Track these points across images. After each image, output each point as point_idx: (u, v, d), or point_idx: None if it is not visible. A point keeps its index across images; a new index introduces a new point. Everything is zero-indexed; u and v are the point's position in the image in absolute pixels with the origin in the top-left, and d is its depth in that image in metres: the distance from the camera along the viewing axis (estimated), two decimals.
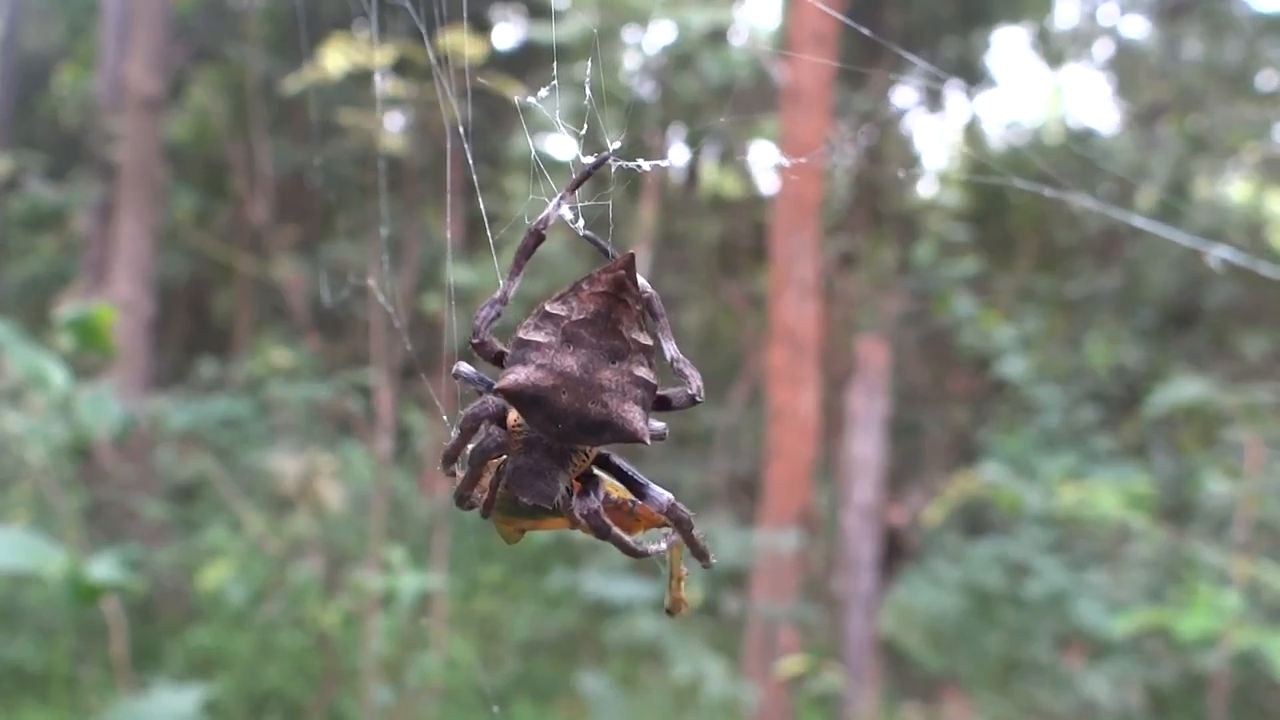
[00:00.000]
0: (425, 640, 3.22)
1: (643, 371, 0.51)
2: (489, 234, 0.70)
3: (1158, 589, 2.98)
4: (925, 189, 7.20)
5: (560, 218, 0.54)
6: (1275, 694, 3.04)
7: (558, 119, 0.55)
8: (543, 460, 0.52)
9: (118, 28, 6.12)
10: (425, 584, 2.69)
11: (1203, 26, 6.12)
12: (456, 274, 3.94)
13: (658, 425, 0.54)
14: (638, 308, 0.52)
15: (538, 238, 0.53)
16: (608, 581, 2.91)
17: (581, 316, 0.51)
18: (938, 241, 4.76)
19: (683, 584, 0.61)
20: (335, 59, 2.93)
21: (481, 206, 0.65)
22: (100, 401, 1.29)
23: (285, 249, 5.84)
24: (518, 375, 0.50)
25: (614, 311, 0.51)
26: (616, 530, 0.55)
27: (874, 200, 6.58)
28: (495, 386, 0.50)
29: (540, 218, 0.54)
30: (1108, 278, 5.71)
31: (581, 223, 0.56)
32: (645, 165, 0.53)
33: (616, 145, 0.52)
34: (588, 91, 0.56)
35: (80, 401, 1.27)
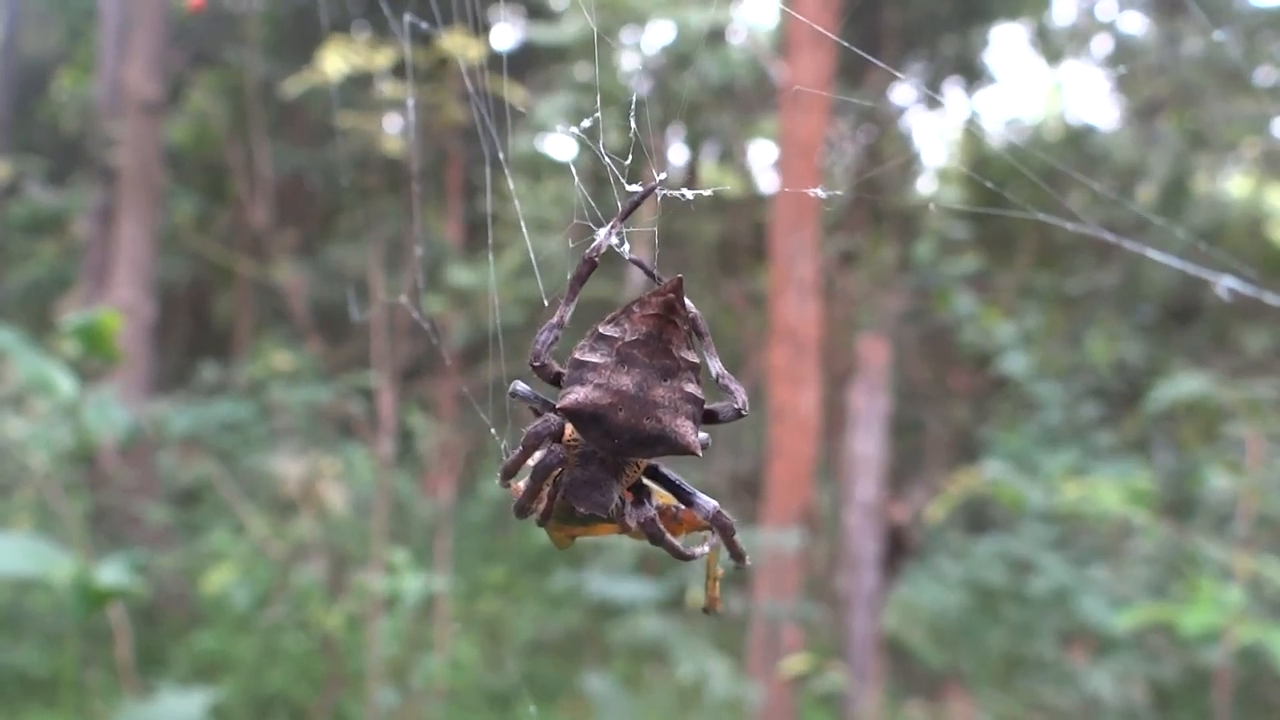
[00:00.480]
0: (429, 642, 3.22)
1: (692, 388, 0.55)
2: (490, 235, 0.71)
3: (1160, 585, 2.98)
4: (925, 186, 7.21)
5: (610, 245, 0.57)
6: (1278, 688, 3.04)
7: (601, 149, 0.58)
8: (598, 472, 0.56)
9: (117, 32, 6.12)
10: (429, 586, 2.69)
11: (1201, 23, 6.12)
12: (458, 276, 3.95)
13: (703, 436, 0.57)
14: (685, 328, 0.55)
15: (591, 265, 0.56)
16: (611, 582, 2.92)
17: (634, 338, 0.54)
18: (937, 239, 4.76)
19: (718, 584, 0.65)
20: (334, 62, 2.93)
21: (488, 206, 0.66)
22: (106, 407, 1.30)
23: (285, 252, 5.84)
24: (577, 395, 0.53)
25: (664, 332, 0.54)
26: (669, 536, 0.59)
27: (874, 199, 6.58)
28: (557, 406, 0.53)
29: (593, 246, 0.56)
30: (1108, 274, 5.71)
31: (629, 248, 0.59)
32: (689, 194, 0.57)
33: (663, 176, 0.55)
34: (631, 122, 0.57)
35: (86, 407, 1.27)
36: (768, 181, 6.56)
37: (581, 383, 0.53)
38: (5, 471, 4.69)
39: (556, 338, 0.55)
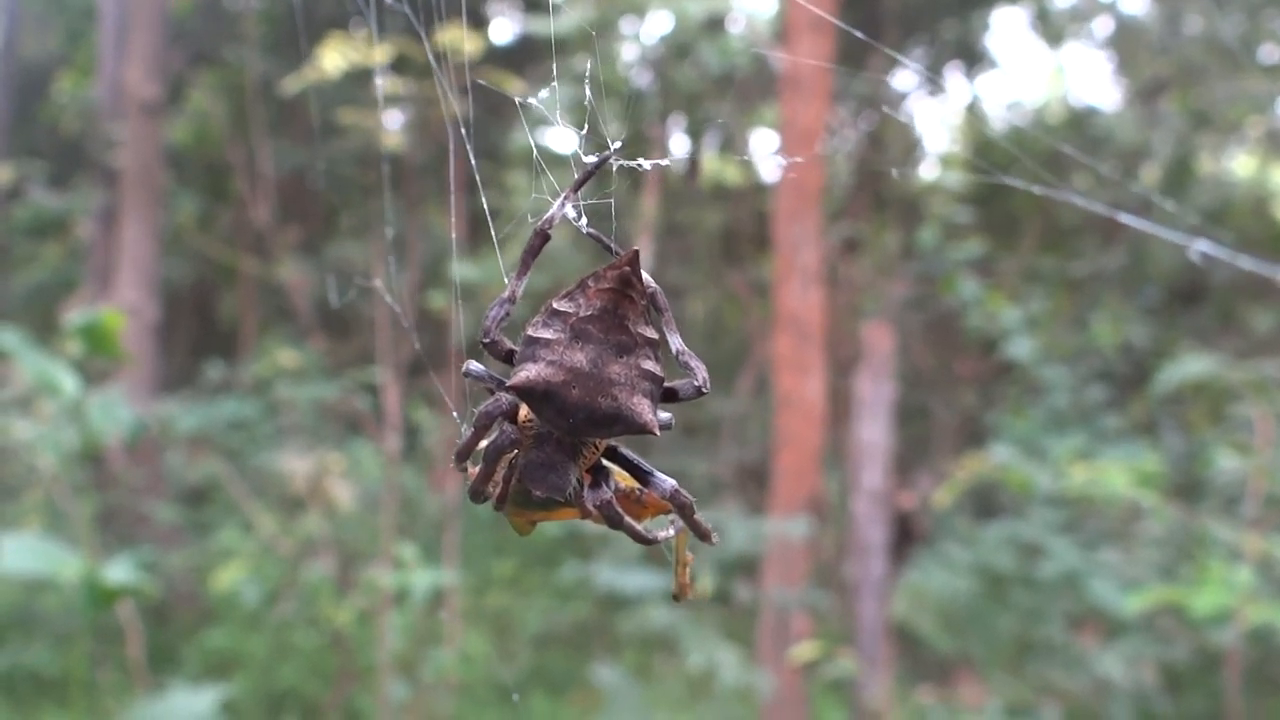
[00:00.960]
0: (439, 636, 3.23)
1: (650, 365, 0.52)
2: (492, 231, 0.70)
3: (1170, 567, 2.98)
4: (927, 172, 7.19)
5: (564, 216, 0.55)
6: None
7: (558, 117, 0.56)
8: (554, 454, 0.54)
9: (115, 33, 6.12)
10: (438, 580, 2.70)
11: (1203, 4, 6.09)
12: (461, 270, 3.94)
13: (665, 416, 0.55)
14: (643, 303, 0.53)
15: (543, 237, 0.54)
16: (619, 573, 2.92)
17: (589, 313, 0.52)
18: (941, 225, 4.75)
19: (688, 570, 0.62)
20: (333, 59, 2.93)
21: (484, 202, 0.66)
22: (111, 407, 1.30)
23: (288, 250, 5.85)
24: (529, 372, 0.51)
25: (620, 307, 0.52)
26: (628, 519, 0.57)
27: (876, 185, 6.57)
28: (508, 384, 0.51)
29: (545, 217, 0.55)
30: (1112, 256, 5.69)
31: (585, 220, 0.57)
32: (646, 164, 0.55)
33: (618, 145, 0.53)
34: (587, 89, 0.56)
35: (91, 408, 1.27)
36: (769, 170, 6.55)
37: (534, 360, 0.51)
38: (14, 473, 4.71)
39: (508, 313, 0.54)
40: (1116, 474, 2.79)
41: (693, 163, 7.05)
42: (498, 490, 0.56)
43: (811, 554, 3.50)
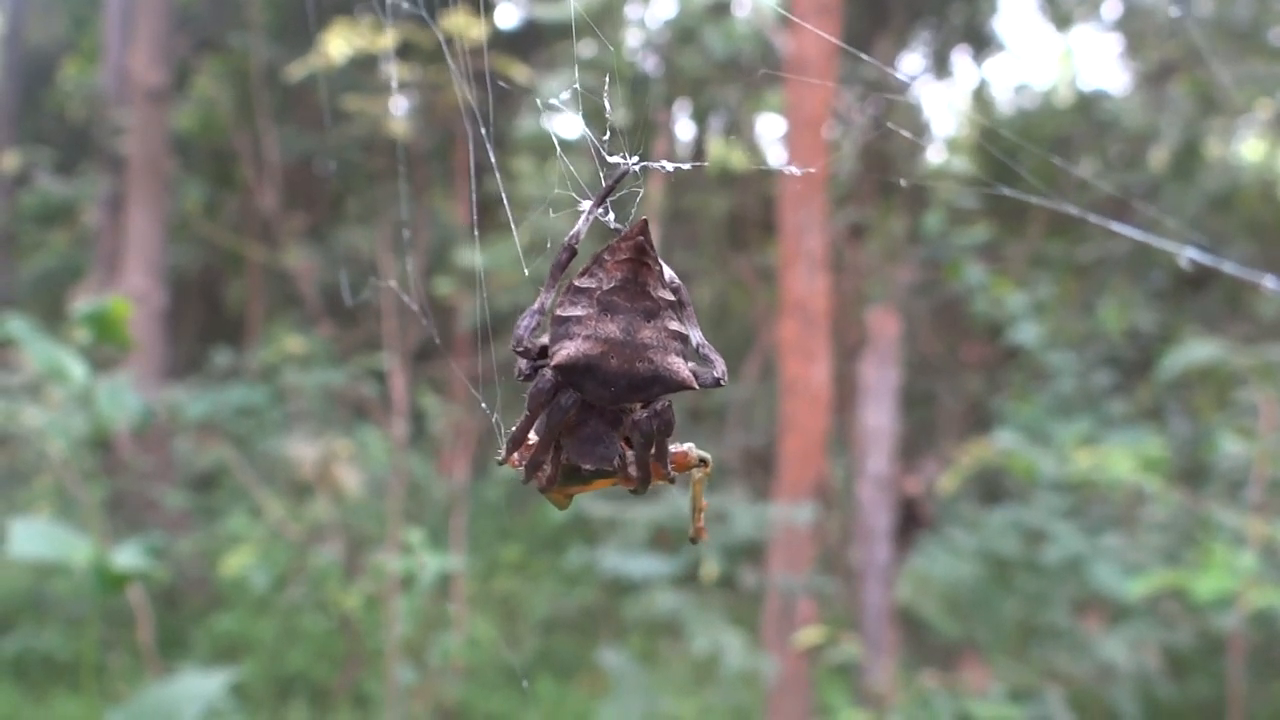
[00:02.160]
0: (447, 620, 3.25)
1: (675, 325, 0.55)
2: (510, 215, 0.71)
3: (1174, 551, 2.98)
4: (934, 157, 7.16)
5: (593, 220, 0.57)
6: None
7: (579, 115, 0.58)
8: (598, 426, 0.56)
9: (121, 19, 6.12)
10: (445, 565, 2.71)
11: None
12: (470, 257, 3.95)
13: (706, 373, 0.57)
14: (658, 267, 0.55)
15: (571, 252, 0.56)
16: (625, 558, 2.94)
17: (612, 285, 0.54)
18: (947, 210, 4.73)
19: (703, 514, 0.66)
20: (338, 45, 2.93)
21: (502, 190, 0.66)
22: (119, 394, 1.31)
23: (295, 236, 5.86)
24: (568, 349, 0.53)
25: (640, 275, 0.54)
26: (667, 469, 0.59)
27: (883, 170, 6.55)
28: (552, 364, 0.53)
29: (572, 233, 0.56)
30: (1119, 241, 5.67)
31: (612, 216, 0.59)
32: (669, 166, 0.57)
33: (636, 159, 0.55)
34: (606, 81, 0.57)
35: (100, 394, 1.28)
36: (775, 155, 6.53)
37: (569, 337, 0.53)
38: (24, 459, 4.74)
39: (539, 323, 0.56)
40: (1121, 459, 2.79)
41: (699, 149, 7.04)
42: (549, 471, 0.58)
43: (817, 539, 3.51)
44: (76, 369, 1.21)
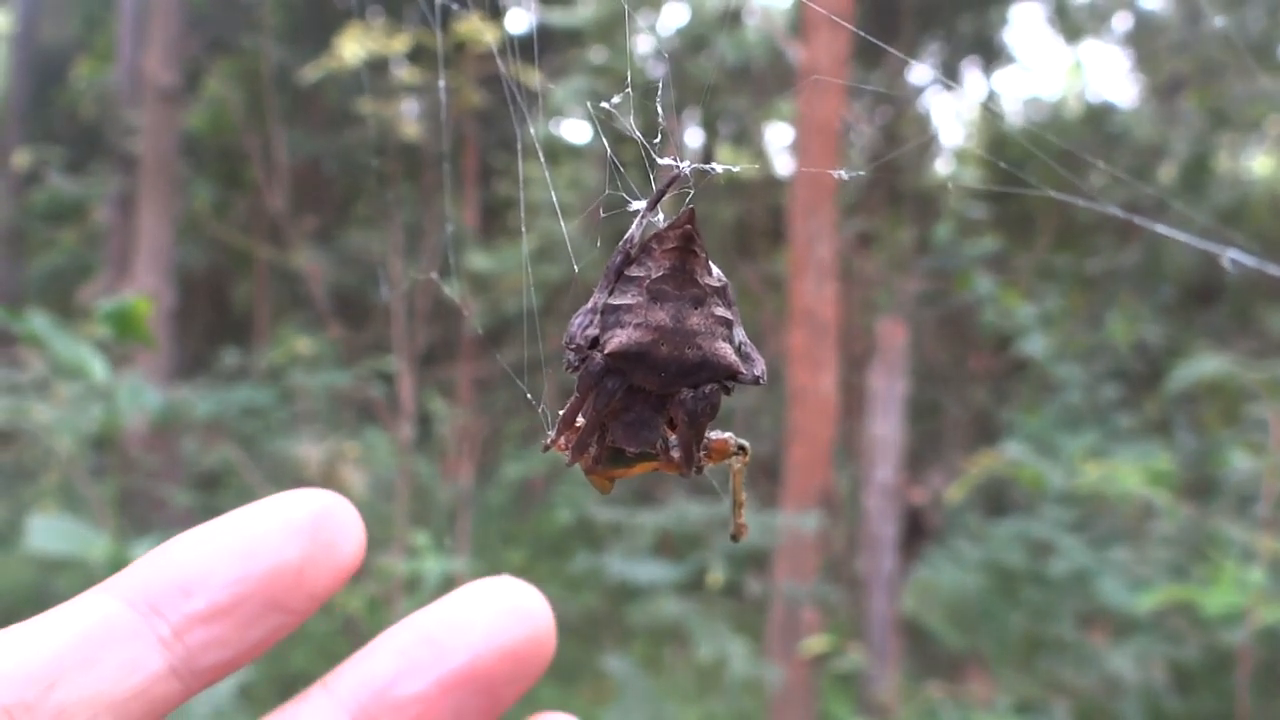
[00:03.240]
0: None
1: (722, 311, 0.55)
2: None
3: (1181, 566, 2.97)
4: (943, 167, 7.16)
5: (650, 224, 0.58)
6: None
7: (632, 126, 0.58)
8: (644, 410, 0.56)
9: (134, 20, 6.15)
10: (449, 568, 2.72)
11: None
12: (475, 261, 3.96)
13: (759, 369, 0.58)
14: (703, 255, 0.55)
15: (626, 256, 0.56)
16: (631, 564, 2.94)
17: (660, 273, 0.54)
18: (956, 220, 4.74)
19: (743, 509, 0.66)
20: (352, 48, 2.94)
21: (519, 189, 0.66)
22: (139, 391, 1.31)
23: (304, 237, 5.87)
24: (621, 337, 0.53)
25: (687, 263, 0.54)
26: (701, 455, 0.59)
27: (892, 180, 6.55)
28: (605, 352, 0.53)
29: (626, 237, 0.57)
30: (1128, 254, 5.67)
31: (661, 216, 0.59)
32: (719, 168, 0.57)
33: (686, 163, 0.56)
34: (658, 91, 0.58)
35: (120, 391, 1.29)
36: (784, 164, 6.54)
37: (620, 325, 0.53)
38: (32, 456, 4.75)
39: (593, 322, 0.56)
40: (1129, 472, 2.78)
41: (707, 156, 7.05)
42: (594, 453, 0.58)
43: (822, 548, 3.51)
44: (98, 365, 1.22)
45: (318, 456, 3.49)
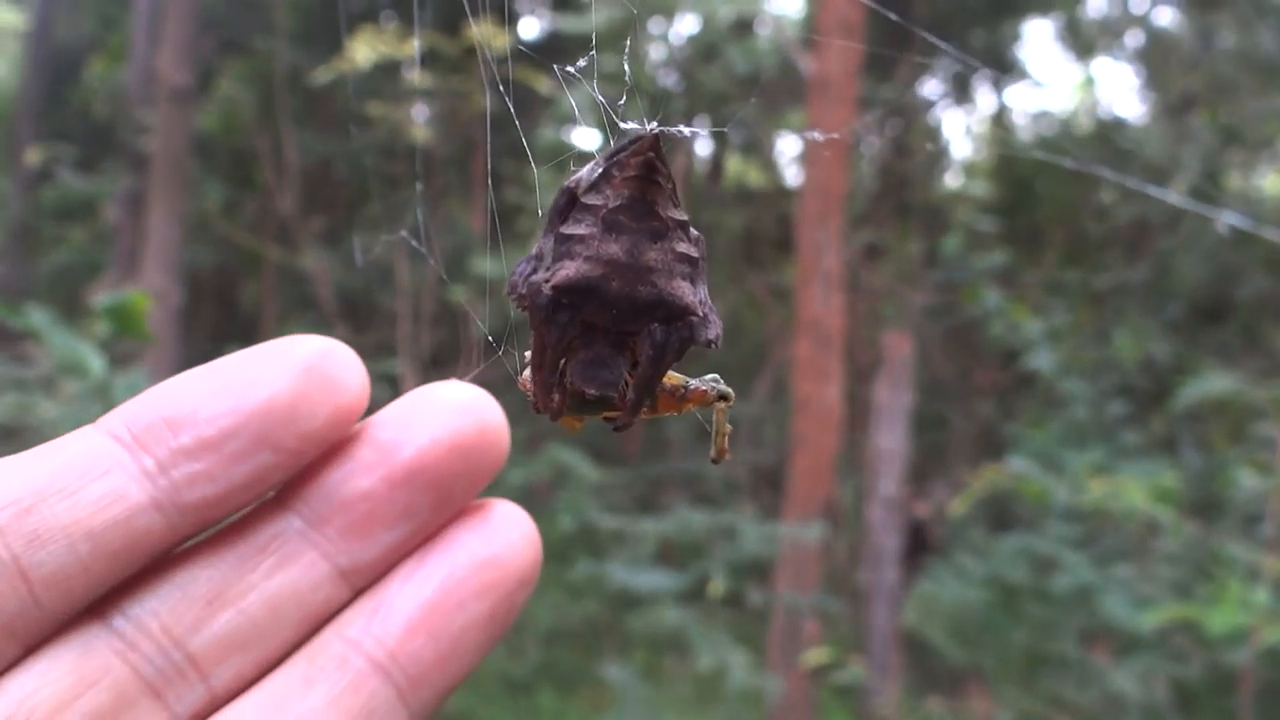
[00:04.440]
0: None
1: (684, 247, 0.51)
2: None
3: (1186, 584, 2.96)
4: (952, 180, 7.16)
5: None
6: None
7: (594, 89, 0.55)
8: (603, 349, 0.53)
9: (148, 19, 6.17)
10: None
11: (1236, 15, 6.04)
12: (484, 266, 3.96)
13: (715, 332, 0.53)
14: (669, 185, 0.51)
15: (570, 196, 0.52)
16: (632, 572, 2.93)
17: (618, 203, 0.50)
18: (965, 233, 4.73)
19: (725, 438, 0.63)
20: (364, 51, 2.95)
21: (536, 195, 0.66)
22: (137, 389, 1.31)
23: (312, 239, 5.89)
24: (568, 270, 0.49)
25: (648, 193, 0.50)
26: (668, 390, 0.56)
27: (900, 192, 6.55)
28: (550, 284, 0.50)
29: (575, 177, 0.53)
30: (1137, 270, 5.66)
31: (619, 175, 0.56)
32: (686, 131, 0.53)
33: (654, 125, 0.52)
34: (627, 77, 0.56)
35: (117, 389, 1.29)
36: (793, 173, 6.54)
37: (570, 256, 0.49)
38: None
39: (535, 269, 0.52)
40: (1134, 489, 2.77)
41: (716, 164, 7.05)
42: (557, 398, 0.54)
43: (824, 559, 3.49)
44: (95, 363, 1.22)
45: None
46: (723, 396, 0.58)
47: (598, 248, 0.49)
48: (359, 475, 0.37)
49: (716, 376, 0.58)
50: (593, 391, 0.53)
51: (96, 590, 0.34)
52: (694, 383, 0.58)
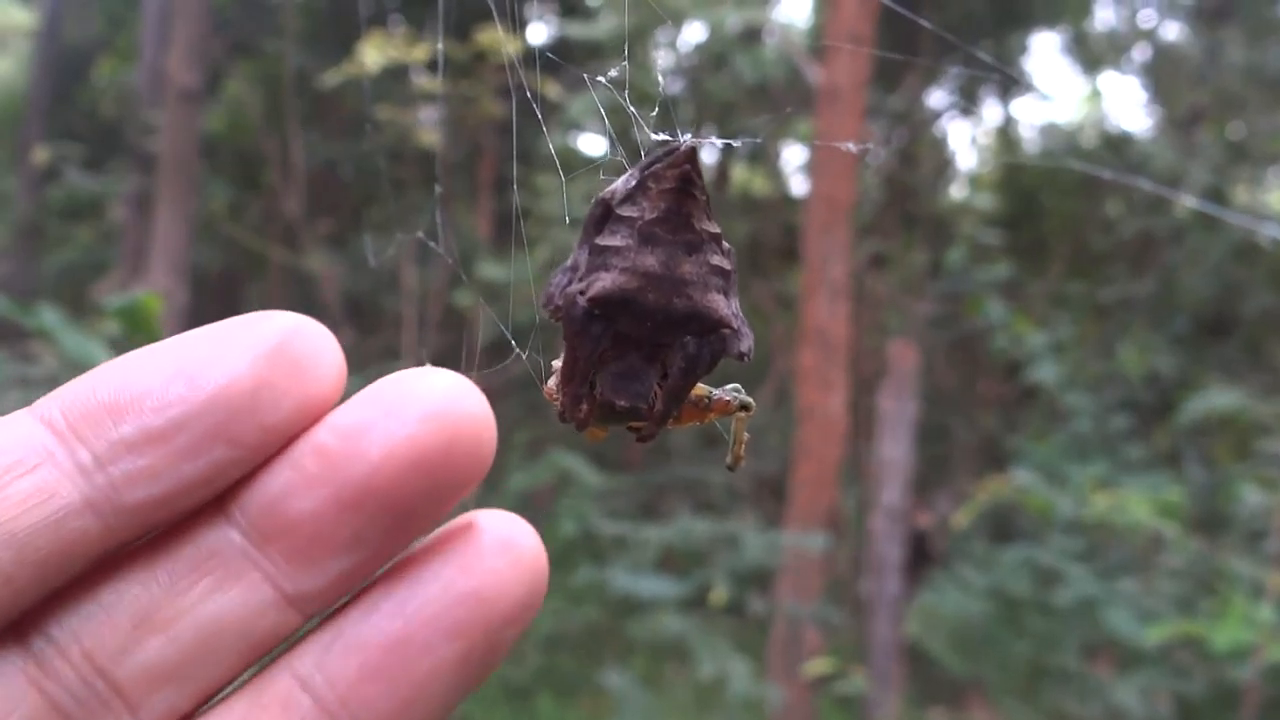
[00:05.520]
0: None
1: (718, 260, 0.51)
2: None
3: (1189, 599, 2.95)
4: (957, 192, 7.16)
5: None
6: None
7: (625, 99, 0.55)
8: (635, 361, 0.53)
9: (158, 20, 6.19)
10: None
11: (1244, 30, 6.04)
12: (488, 270, 3.97)
13: (748, 344, 0.53)
14: (703, 198, 0.51)
15: (605, 208, 0.52)
16: (634, 578, 2.92)
17: (654, 215, 0.50)
18: (970, 245, 4.73)
19: (743, 445, 0.63)
20: (373, 55, 2.96)
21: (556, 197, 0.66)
22: None
23: (318, 241, 5.89)
24: (605, 282, 0.49)
25: (684, 206, 0.50)
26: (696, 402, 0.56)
27: (906, 202, 6.55)
28: (587, 296, 0.50)
29: (610, 189, 0.53)
30: (1142, 284, 5.65)
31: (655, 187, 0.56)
32: (719, 142, 0.54)
33: (688, 137, 0.52)
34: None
35: None
36: (799, 182, 6.55)
37: (606, 268, 0.49)
38: None
39: (572, 280, 0.52)
40: (1138, 503, 2.77)
41: (722, 172, 7.06)
42: (585, 409, 0.54)
43: (827, 569, 3.49)
44: (104, 361, 1.21)
45: None
46: (744, 406, 0.58)
47: (634, 259, 0.49)
48: (303, 493, 0.32)
49: (738, 387, 0.58)
50: (624, 403, 0.53)
51: (18, 605, 0.29)
52: (717, 393, 0.58)
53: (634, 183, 0.51)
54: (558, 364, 0.57)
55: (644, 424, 0.55)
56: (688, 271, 0.50)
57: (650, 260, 0.49)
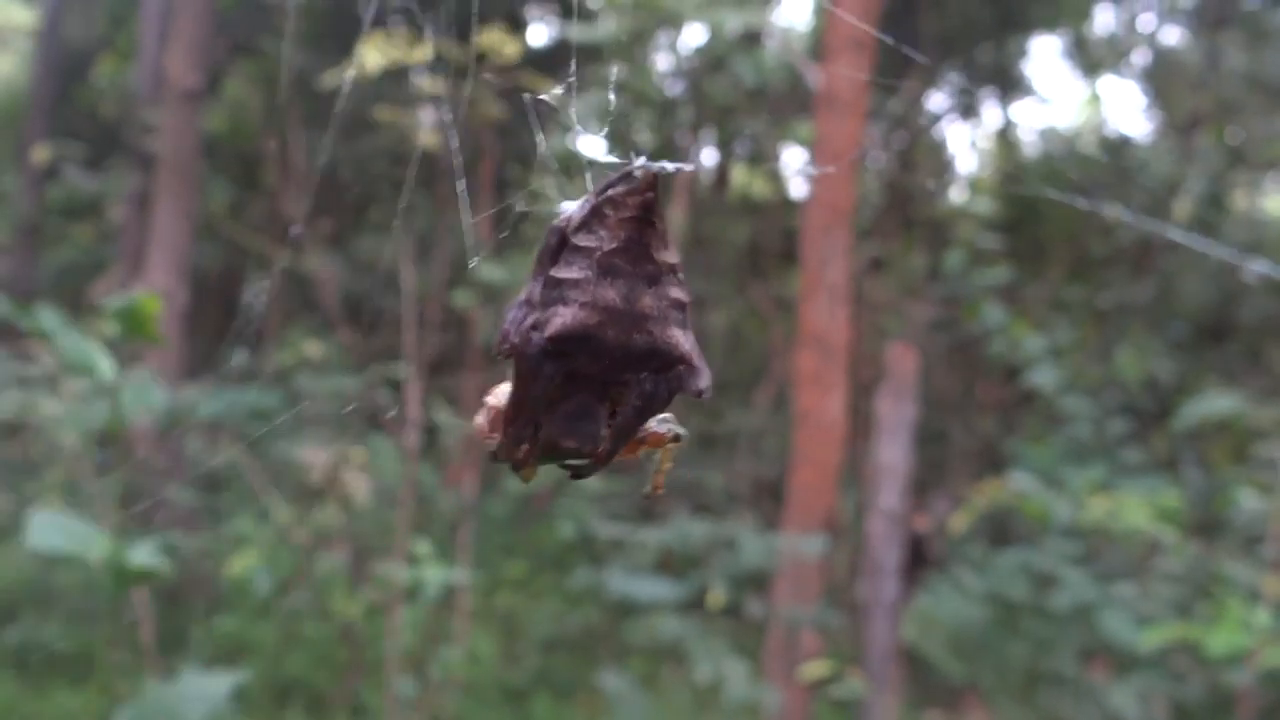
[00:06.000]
0: (448, 634, 3.24)
1: (677, 292, 0.49)
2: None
3: (1186, 604, 2.95)
4: (957, 196, 7.17)
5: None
6: None
7: (574, 119, 0.54)
8: (585, 399, 0.50)
9: (159, 20, 6.20)
10: (450, 578, 2.71)
11: (1244, 36, 6.05)
12: (486, 272, 3.97)
13: (706, 383, 0.51)
14: (663, 226, 0.49)
15: (561, 237, 0.50)
16: (631, 581, 2.92)
17: (614, 246, 0.48)
18: (968, 249, 4.73)
19: (663, 475, 0.60)
20: (374, 57, 2.96)
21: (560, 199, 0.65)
22: (145, 390, 1.31)
23: (317, 242, 5.90)
24: (564, 318, 0.47)
25: (644, 236, 0.48)
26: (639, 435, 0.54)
27: (905, 206, 6.56)
28: (546, 335, 0.47)
29: (564, 217, 0.51)
30: (1141, 289, 5.66)
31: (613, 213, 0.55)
32: (670, 167, 0.49)
33: (641, 160, 0.50)
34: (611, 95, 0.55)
35: (125, 389, 1.29)
36: (799, 185, 6.55)
37: (564, 302, 0.47)
38: (37, 451, 4.76)
39: (527, 316, 0.49)
40: (1136, 507, 2.77)
41: (722, 175, 7.06)
42: (525, 450, 0.52)
43: (824, 572, 3.49)
44: (104, 363, 1.22)
45: (322, 461, 3.48)
46: (676, 438, 0.56)
47: (594, 293, 0.47)
48: None
49: (670, 416, 0.56)
50: (572, 444, 0.51)
51: None
52: (651, 425, 0.56)
53: (589, 209, 0.49)
54: (491, 400, 0.55)
55: (584, 463, 0.53)
56: (648, 305, 0.48)
57: (611, 294, 0.47)
